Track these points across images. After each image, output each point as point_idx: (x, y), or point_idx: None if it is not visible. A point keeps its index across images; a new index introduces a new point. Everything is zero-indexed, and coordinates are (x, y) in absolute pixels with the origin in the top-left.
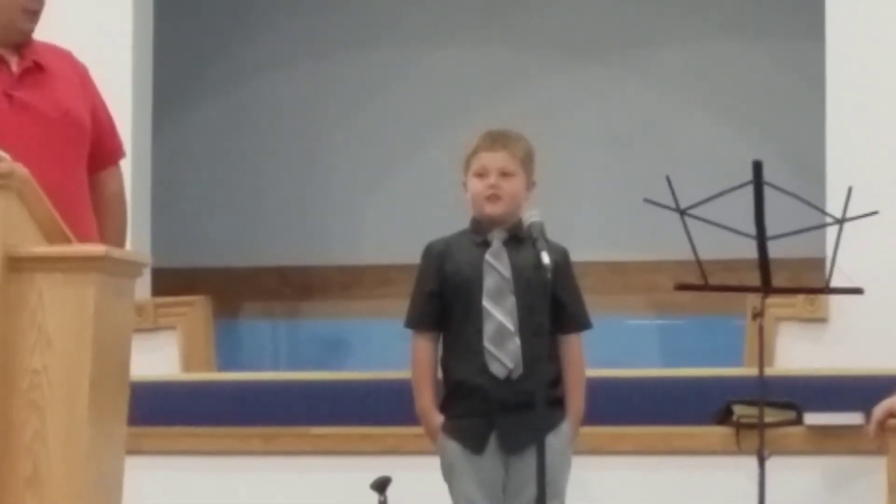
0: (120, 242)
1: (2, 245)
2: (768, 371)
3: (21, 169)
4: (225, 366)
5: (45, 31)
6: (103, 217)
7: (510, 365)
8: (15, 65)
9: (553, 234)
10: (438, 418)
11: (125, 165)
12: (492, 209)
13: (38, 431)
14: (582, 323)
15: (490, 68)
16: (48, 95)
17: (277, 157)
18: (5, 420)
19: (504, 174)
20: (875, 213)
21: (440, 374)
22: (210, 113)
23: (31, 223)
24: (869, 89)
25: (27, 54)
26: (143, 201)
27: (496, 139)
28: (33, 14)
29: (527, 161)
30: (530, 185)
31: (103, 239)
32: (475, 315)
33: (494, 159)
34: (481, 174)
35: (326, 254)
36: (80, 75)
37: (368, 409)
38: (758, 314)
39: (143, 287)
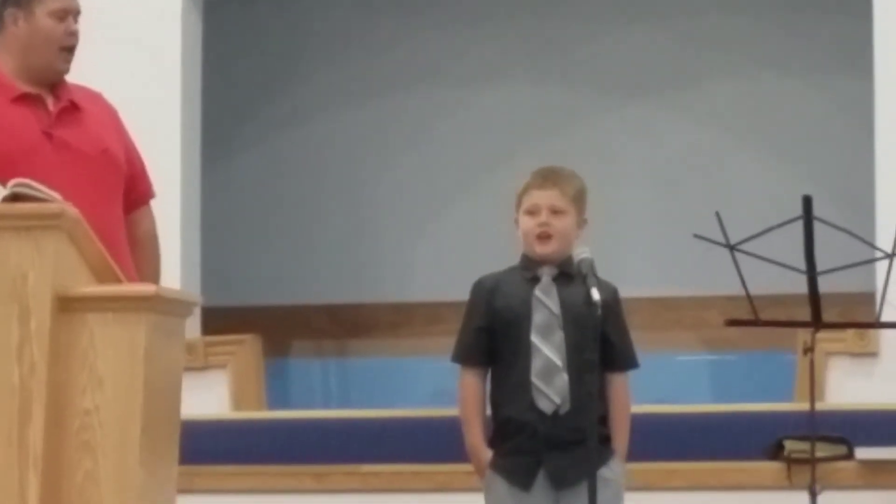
0: (154, 281)
1: (53, 285)
2: (819, 406)
3: (71, 209)
4: (275, 404)
5: (97, 77)
6: (137, 256)
7: (557, 401)
8: (52, 104)
9: (603, 271)
10: (488, 454)
11: (176, 206)
12: (542, 249)
13: (90, 472)
14: (630, 362)
15: (538, 107)
16: (86, 134)
17: (327, 197)
18: (57, 461)
19: (555, 212)
20: None
21: (488, 410)
22: (259, 153)
23: (81, 263)
24: None
25: (62, 94)
26: (194, 241)
27: (547, 177)
28: (70, 51)
29: (578, 199)
30: (581, 222)
31: (140, 278)
32: (523, 351)
33: (545, 197)
34: (532, 212)
35: (376, 292)
36: (112, 116)
37: (419, 447)
38: (808, 349)
39: (193, 326)
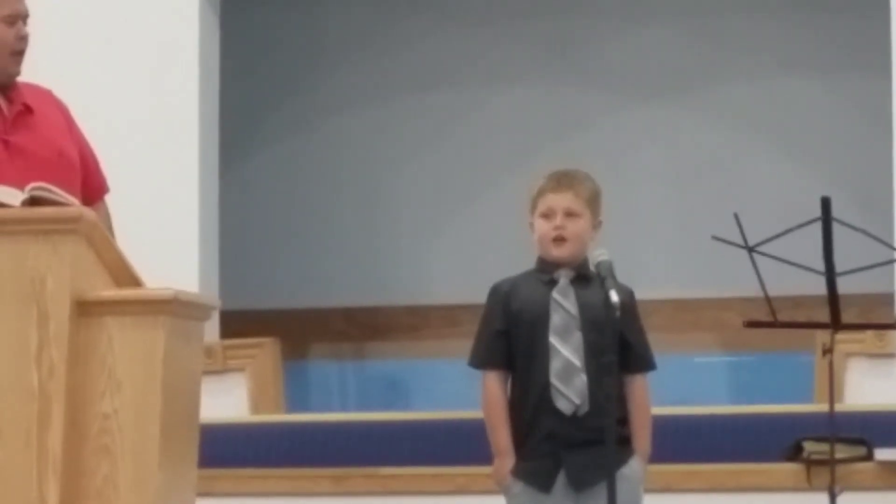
0: None
1: (71, 289)
2: (838, 407)
3: (89, 213)
4: (293, 407)
5: (115, 78)
6: None
7: (577, 401)
8: (5, 108)
9: (620, 273)
10: (513, 460)
11: (194, 209)
12: (558, 252)
13: (109, 476)
14: (648, 363)
15: (555, 108)
16: (41, 138)
17: (344, 199)
18: (76, 464)
19: (569, 215)
20: None
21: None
22: (277, 156)
23: (100, 267)
24: None
25: (15, 97)
26: (212, 244)
27: (561, 180)
28: (20, 55)
29: (592, 201)
30: (596, 224)
31: None
32: (542, 352)
33: (559, 200)
34: (547, 215)
35: (393, 295)
36: (64, 114)
37: (438, 449)
38: (827, 350)
39: (211, 329)
